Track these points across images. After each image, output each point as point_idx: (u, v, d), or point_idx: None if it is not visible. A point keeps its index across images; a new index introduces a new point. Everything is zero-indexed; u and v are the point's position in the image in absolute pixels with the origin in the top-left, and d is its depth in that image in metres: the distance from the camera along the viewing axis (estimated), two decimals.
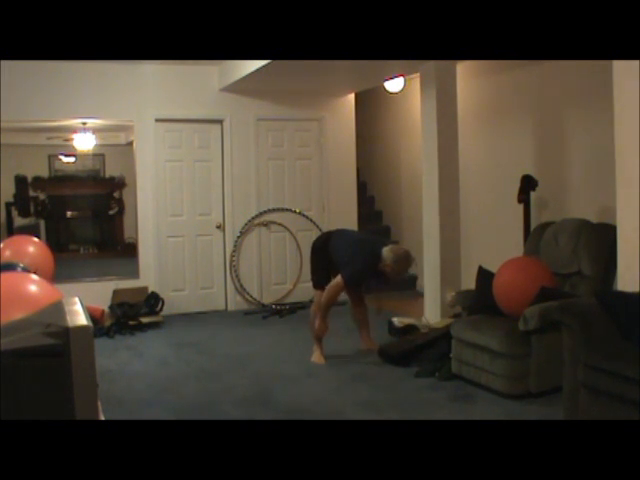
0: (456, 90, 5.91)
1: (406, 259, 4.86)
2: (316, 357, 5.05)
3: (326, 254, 5.10)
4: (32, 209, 6.90)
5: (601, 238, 4.44)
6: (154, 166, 6.85)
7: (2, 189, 6.53)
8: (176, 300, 6.93)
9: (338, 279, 4.88)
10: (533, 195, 5.60)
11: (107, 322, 6.20)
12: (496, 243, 6.35)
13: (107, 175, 7.19)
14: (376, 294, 5.59)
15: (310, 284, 7.35)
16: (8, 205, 6.72)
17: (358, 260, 4.90)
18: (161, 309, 6.60)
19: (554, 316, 3.66)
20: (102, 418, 2.47)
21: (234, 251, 7.14)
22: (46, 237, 6.75)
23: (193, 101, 6.95)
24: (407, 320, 5.83)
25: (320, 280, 5.12)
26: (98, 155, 7.11)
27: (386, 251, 4.82)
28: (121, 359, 5.29)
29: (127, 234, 7.27)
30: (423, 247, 6.13)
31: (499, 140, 6.48)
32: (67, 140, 6.88)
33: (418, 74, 6.24)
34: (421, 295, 6.44)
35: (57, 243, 6.85)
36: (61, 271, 5.94)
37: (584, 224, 4.66)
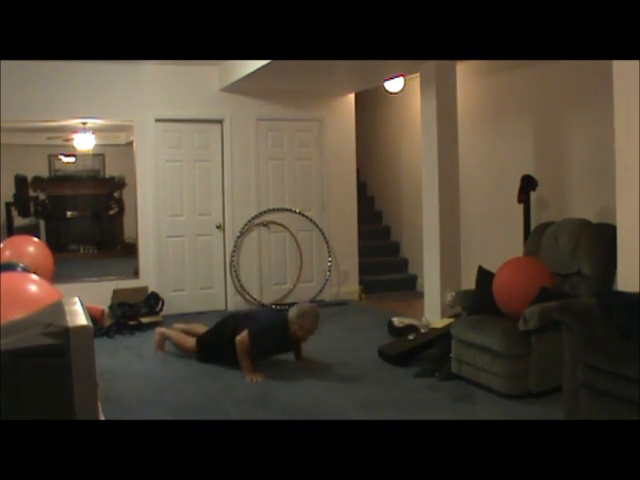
0: (456, 90, 5.91)
1: (311, 312, 4.75)
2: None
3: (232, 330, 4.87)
4: (32, 209, 6.90)
5: (601, 238, 4.44)
6: (154, 166, 6.85)
7: (2, 189, 6.53)
8: (176, 300, 6.92)
9: (244, 333, 4.66)
10: (533, 195, 5.60)
11: (107, 322, 6.20)
12: (496, 243, 6.35)
13: (107, 175, 7.18)
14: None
15: (310, 284, 7.47)
16: (8, 205, 6.72)
17: (265, 321, 4.85)
18: (161, 309, 6.60)
19: (554, 316, 3.67)
20: (102, 418, 2.47)
21: (234, 251, 7.14)
22: (46, 237, 6.74)
23: (193, 101, 6.95)
24: (407, 320, 5.83)
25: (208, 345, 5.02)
26: (98, 155, 7.10)
27: (291, 310, 4.77)
28: (121, 359, 5.29)
29: (127, 234, 7.27)
30: (423, 247, 6.13)
31: (499, 140, 6.48)
32: (67, 140, 6.88)
33: (418, 74, 6.24)
34: (421, 295, 6.44)
35: (57, 243, 6.84)
36: (61, 271, 5.94)
37: (584, 224, 4.66)
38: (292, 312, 4.74)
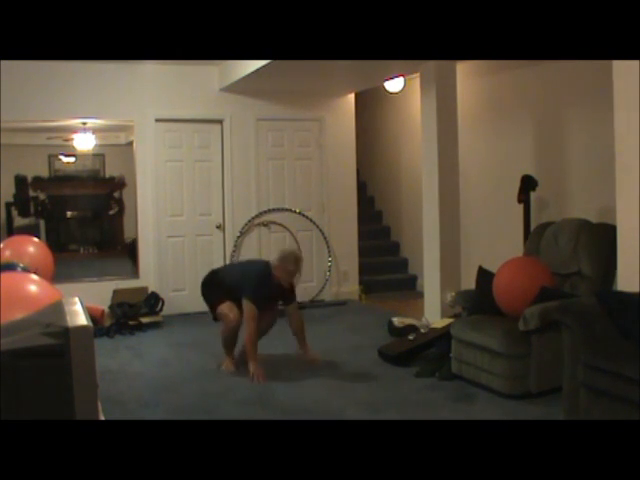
0: (456, 90, 5.91)
1: (292, 255, 4.83)
2: (226, 365, 4.92)
3: (218, 286, 4.95)
4: (32, 209, 6.90)
5: (601, 238, 4.44)
6: (154, 166, 6.85)
7: (2, 189, 6.53)
8: (176, 300, 6.92)
9: (246, 304, 4.69)
10: (533, 195, 5.60)
11: (107, 322, 6.20)
12: (496, 243, 6.35)
13: (107, 175, 7.18)
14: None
15: (310, 284, 7.46)
16: (8, 205, 6.72)
17: (252, 274, 4.84)
18: (161, 309, 6.60)
19: (554, 316, 3.67)
20: (102, 418, 2.47)
21: (234, 251, 7.14)
22: (46, 237, 6.74)
23: (193, 101, 6.95)
24: (407, 320, 5.83)
25: (216, 301, 4.97)
26: (98, 155, 7.10)
27: (275, 256, 4.84)
28: (121, 359, 5.29)
29: (127, 234, 7.27)
30: (423, 247, 6.13)
31: (499, 140, 6.48)
32: (67, 140, 6.88)
33: (418, 74, 6.24)
34: (421, 295, 6.44)
35: (57, 243, 6.84)
36: (61, 271, 5.94)
37: (584, 224, 4.66)
38: (275, 256, 4.84)
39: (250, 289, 4.74)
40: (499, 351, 4.09)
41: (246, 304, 4.71)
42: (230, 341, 4.94)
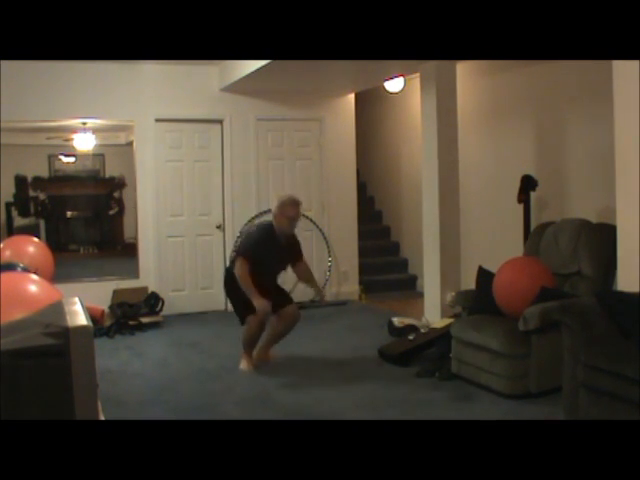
0: (456, 90, 5.91)
1: (290, 198, 4.82)
2: (244, 364, 4.87)
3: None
4: (32, 209, 6.90)
5: (601, 238, 4.44)
6: (154, 166, 6.84)
7: (2, 189, 6.53)
8: (176, 300, 6.92)
9: (236, 261, 4.70)
10: (533, 195, 5.60)
11: (107, 322, 6.20)
12: (496, 243, 6.35)
13: (107, 175, 7.18)
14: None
15: None
16: (8, 205, 6.72)
17: (249, 235, 4.99)
18: (161, 309, 6.59)
19: (554, 316, 3.66)
20: (102, 418, 2.47)
21: (234, 251, 7.13)
22: (46, 237, 6.74)
23: (193, 101, 6.94)
24: (407, 320, 5.83)
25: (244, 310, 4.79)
26: (98, 155, 7.10)
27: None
28: (121, 359, 5.28)
29: (127, 234, 7.26)
30: (423, 247, 6.13)
31: (499, 140, 6.48)
32: (67, 140, 6.88)
33: (418, 74, 6.24)
34: (421, 295, 6.44)
35: (57, 243, 6.84)
36: (61, 271, 5.94)
37: (584, 224, 4.66)
38: (272, 206, 4.89)
39: (244, 247, 4.80)
40: (499, 351, 4.09)
41: (237, 265, 4.66)
42: (253, 337, 4.84)
